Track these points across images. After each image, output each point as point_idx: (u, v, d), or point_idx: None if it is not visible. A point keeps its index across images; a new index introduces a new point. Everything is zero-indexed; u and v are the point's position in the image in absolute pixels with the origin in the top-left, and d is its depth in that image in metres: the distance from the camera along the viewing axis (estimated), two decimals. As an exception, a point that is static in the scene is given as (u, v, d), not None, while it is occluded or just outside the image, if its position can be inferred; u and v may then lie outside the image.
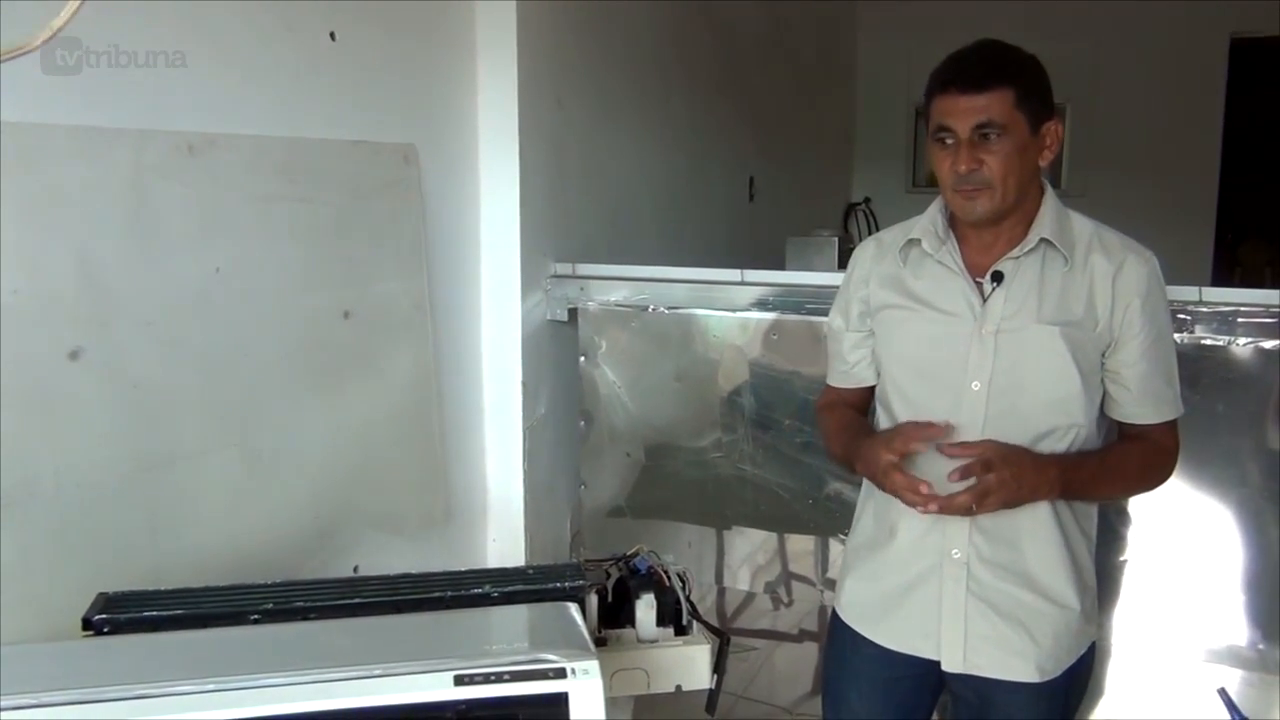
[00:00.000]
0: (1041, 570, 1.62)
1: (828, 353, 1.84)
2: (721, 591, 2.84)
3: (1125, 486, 1.76)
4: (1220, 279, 5.51)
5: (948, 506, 1.51)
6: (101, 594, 1.53)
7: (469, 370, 2.71)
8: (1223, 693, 1.58)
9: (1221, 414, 2.19)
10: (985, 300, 1.60)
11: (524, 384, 2.74)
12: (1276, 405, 2.15)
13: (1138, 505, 2.25)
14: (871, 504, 1.73)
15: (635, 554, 1.78)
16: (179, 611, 1.50)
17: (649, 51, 3.42)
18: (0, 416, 1.62)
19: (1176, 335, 2.11)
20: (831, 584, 2.58)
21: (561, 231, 2.86)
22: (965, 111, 1.51)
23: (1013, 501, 1.53)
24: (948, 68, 1.55)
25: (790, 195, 4.80)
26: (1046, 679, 1.63)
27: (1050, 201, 1.62)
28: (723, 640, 1.73)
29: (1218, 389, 2.17)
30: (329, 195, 2.21)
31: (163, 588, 1.57)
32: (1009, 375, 1.58)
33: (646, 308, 2.72)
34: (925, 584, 1.65)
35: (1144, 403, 1.63)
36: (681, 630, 1.72)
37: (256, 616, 1.51)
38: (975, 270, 1.62)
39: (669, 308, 2.71)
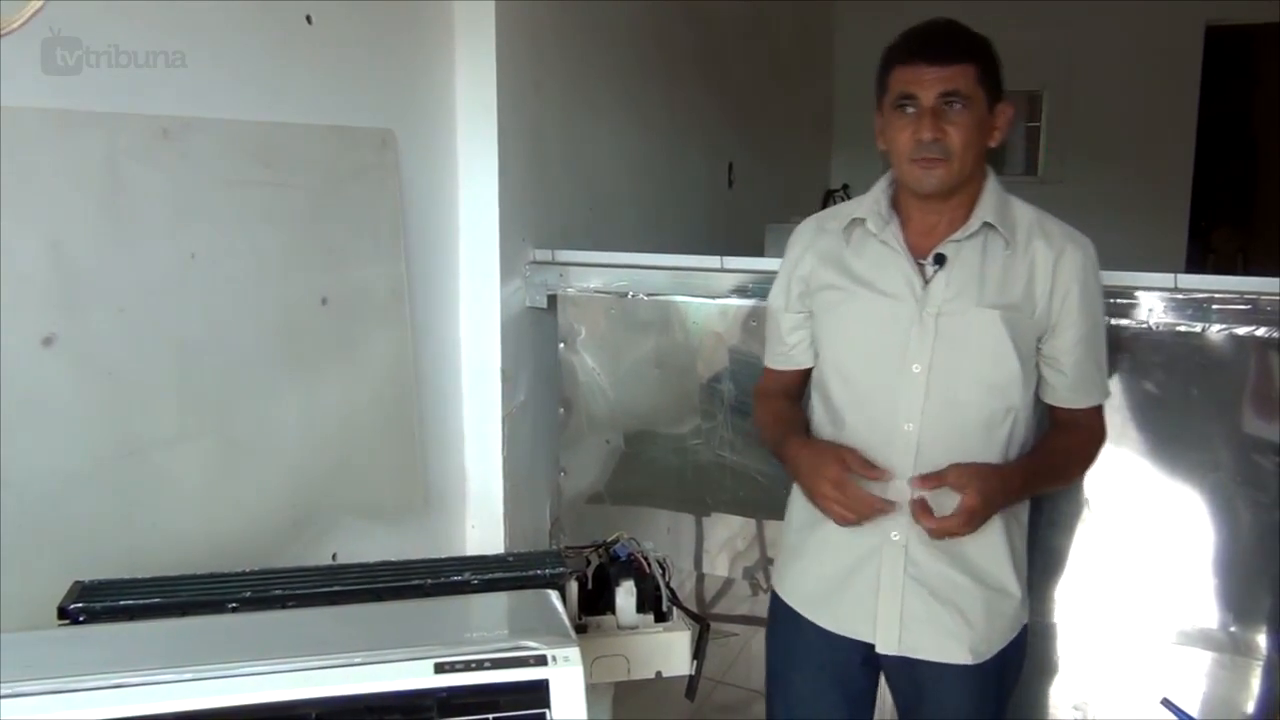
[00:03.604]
0: (980, 554, 1.65)
1: (766, 333, 1.85)
2: (700, 578, 2.85)
3: (1066, 479, 1.81)
4: (1194, 265, 5.56)
5: (939, 530, 1.55)
6: (77, 582, 1.51)
7: (448, 357, 2.70)
8: (1166, 702, 1.60)
9: (1195, 400, 2.21)
10: (927, 283, 1.61)
11: (503, 371, 2.73)
12: (1250, 391, 2.17)
13: (1111, 489, 2.27)
14: None
15: (615, 541, 1.78)
16: (156, 600, 1.49)
17: (628, 37, 3.40)
18: (-28, 404, 1.60)
19: (1147, 322, 2.15)
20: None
21: (540, 217, 2.85)
22: (932, 80, 1.54)
23: (988, 517, 1.58)
24: (912, 40, 1.58)
25: (769, 182, 4.80)
26: (979, 661, 1.66)
27: (993, 185, 1.64)
28: (702, 626, 1.74)
29: (1191, 375, 2.19)
30: (306, 180, 2.20)
31: (139, 576, 1.56)
32: (949, 358, 1.60)
33: (626, 294, 2.72)
34: (866, 566, 1.68)
35: (1078, 388, 1.67)
36: (661, 617, 1.72)
37: (234, 605, 1.50)
38: (916, 253, 1.64)
39: (648, 294, 2.70)
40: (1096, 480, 2.28)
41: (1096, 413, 1.72)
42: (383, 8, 2.39)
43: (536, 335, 2.85)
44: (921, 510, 1.55)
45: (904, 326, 1.62)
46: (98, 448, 1.80)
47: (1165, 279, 2.16)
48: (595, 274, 2.75)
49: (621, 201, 3.40)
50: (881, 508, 1.58)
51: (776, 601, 1.84)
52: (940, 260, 1.60)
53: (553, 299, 2.80)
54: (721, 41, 4.22)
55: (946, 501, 1.56)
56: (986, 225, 1.60)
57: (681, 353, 2.73)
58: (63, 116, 1.71)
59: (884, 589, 1.66)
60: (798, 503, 1.78)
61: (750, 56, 4.56)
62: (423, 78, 2.54)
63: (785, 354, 1.80)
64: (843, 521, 1.60)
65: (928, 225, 1.64)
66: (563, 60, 2.95)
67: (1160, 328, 2.15)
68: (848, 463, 1.58)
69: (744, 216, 4.34)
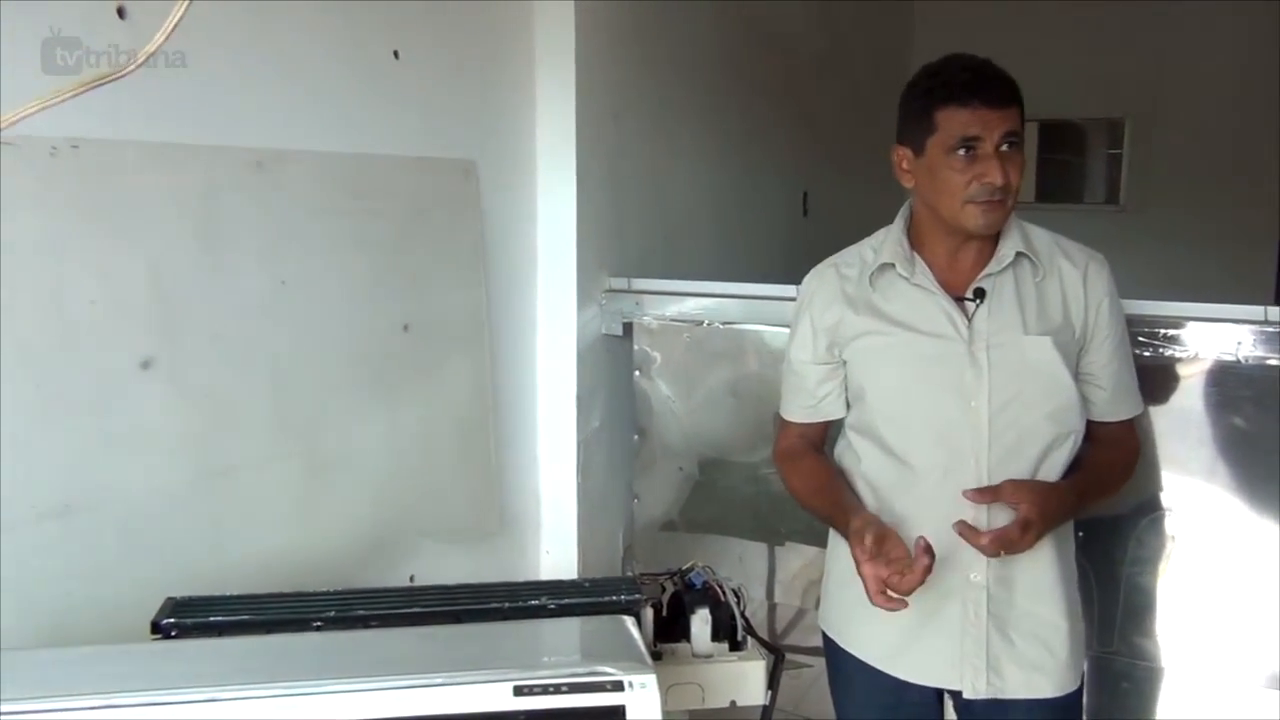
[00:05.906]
0: (1052, 583, 1.64)
1: (785, 387, 1.82)
2: (773, 608, 2.83)
3: (1108, 495, 1.77)
4: (1285, 295, 5.40)
5: (995, 539, 1.49)
6: (169, 599, 1.57)
7: (524, 383, 2.73)
8: None
9: (1287, 435, 2.15)
10: (970, 319, 1.60)
11: (578, 397, 2.76)
12: (1344, 427, 2.10)
13: (1200, 527, 2.21)
14: None
15: (690, 569, 1.79)
16: (244, 617, 1.54)
17: (704, 67, 3.43)
18: (75, 423, 1.67)
19: (1235, 355, 2.10)
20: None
21: (617, 246, 2.88)
22: (997, 123, 1.53)
23: (1044, 534, 1.55)
24: (968, 79, 1.55)
25: (844, 210, 4.77)
26: (1064, 693, 1.64)
27: (1013, 215, 1.63)
28: (777, 657, 1.74)
29: (1283, 410, 2.13)
30: (391, 210, 2.25)
31: (228, 593, 1.61)
32: (1007, 390, 1.59)
33: (701, 322, 2.73)
34: (944, 611, 1.64)
35: (1117, 401, 1.67)
36: (736, 646, 1.73)
37: (319, 624, 1.54)
38: (947, 289, 1.63)
39: (724, 323, 2.71)
40: (1184, 517, 2.23)
41: (1133, 425, 1.72)
42: (465, 43, 2.45)
43: (612, 362, 2.87)
44: (967, 528, 1.50)
45: (956, 364, 1.60)
46: (191, 468, 1.86)
47: (1255, 311, 2.11)
48: (671, 302, 2.77)
49: (698, 230, 3.42)
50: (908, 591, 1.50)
51: (837, 651, 1.79)
52: (980, 294, 1.60)
53: (628, 327, 2.82)
54: (798, 69, 4.23)
55: (999, 522, 1.55)
56: (1019, 254, 1.61)
57: (755, 381, 2.73)
58: (163, 150, 1.78)
59: (968, 632, 1.63)
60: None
61: (827, 84, 4.56)
62: (504, 110, 2.60)
63: (814, 406, 1.77)
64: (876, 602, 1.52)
65: (957, 262, 1.63)
66: (641, 91, 2.98)
67: (1250, 361, 2.10)
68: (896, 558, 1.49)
69: (818, 246, 4.28)
